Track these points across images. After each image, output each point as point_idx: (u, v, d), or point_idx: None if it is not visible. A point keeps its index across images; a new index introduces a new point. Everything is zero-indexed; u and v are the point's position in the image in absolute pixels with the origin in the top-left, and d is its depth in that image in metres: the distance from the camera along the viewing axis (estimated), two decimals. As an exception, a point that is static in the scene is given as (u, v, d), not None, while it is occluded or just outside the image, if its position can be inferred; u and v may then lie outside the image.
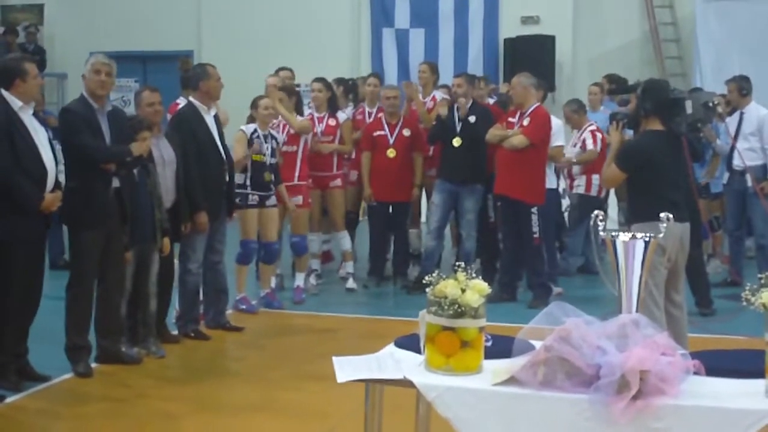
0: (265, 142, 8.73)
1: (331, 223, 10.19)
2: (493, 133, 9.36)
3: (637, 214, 6.22)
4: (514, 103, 9.59)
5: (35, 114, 6.54)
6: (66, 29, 18.23)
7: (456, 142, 9.63)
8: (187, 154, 7.63)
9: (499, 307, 8.56)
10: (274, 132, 8.99)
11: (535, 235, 9.20)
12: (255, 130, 8.70)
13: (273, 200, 8.87)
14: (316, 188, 9.89)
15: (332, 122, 9.93)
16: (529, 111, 9.27)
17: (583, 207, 10.42)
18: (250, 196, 8.64)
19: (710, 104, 7.56)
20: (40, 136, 6.33)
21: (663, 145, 6.29)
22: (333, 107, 10.07)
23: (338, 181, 9.98)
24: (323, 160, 9.80)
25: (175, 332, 7.86)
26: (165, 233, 7.24)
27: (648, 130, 6.36)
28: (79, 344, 6.74)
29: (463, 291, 3.69)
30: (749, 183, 9.60)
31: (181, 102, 8.74)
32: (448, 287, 3.69)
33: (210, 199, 7.75)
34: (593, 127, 10.64)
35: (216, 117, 8.07)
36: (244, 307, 8.83)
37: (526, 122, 9.22)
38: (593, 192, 10.71)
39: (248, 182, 8.64)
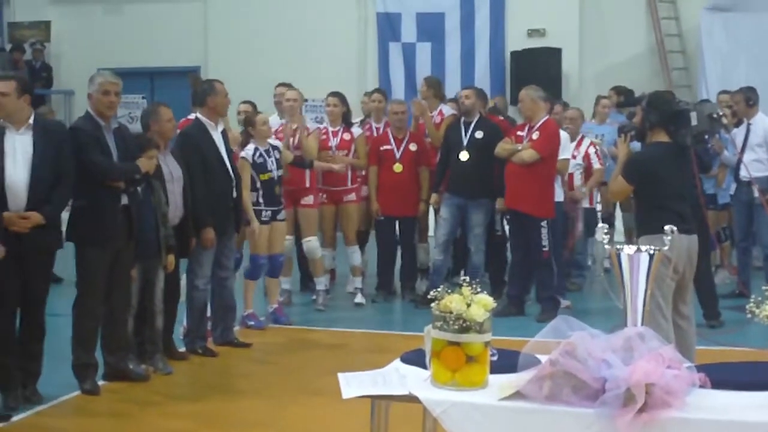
0: (268, 157, 8.74)
1: (343, 237, 10.19)
2: (503, 147, 9.35)
3: (643, 226, 6.22)
4: (522, 116, 9.59)
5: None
6: (73, 46, 18.29)
7: (463, 156, 9.63)
8: (194, 170, 7.64)
9: (507, 320, 8.56)
10: (274, 142, 8.97)
11: (545, 249, 9.19)
12: (256, 149, 8.70)
13: (283, 214, 8.89)
14: (330, 203, 9.92)
15: (347, 136, 9.95)
16: (539, 124, 9.26)
17: (588, 221, 10.40)
18: (263, 213, 8.64)
19: (714, 115, 7.55)
20: (17, 155, 6.26)
21: (668, 156, 6.29)
22: (347, 121, 10.10)
23: (353, 196, 10.00)
24: (338, 175, 9.80)
25: (183, 349, 7.86)
26: (170, 250, 7.24)
27: (654, 142, 6.36)
28: (86, 362, 6.72)
29: (469, 306, 3.69)
30: (756, 194, 9.59)
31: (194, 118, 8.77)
32: (453, 302, 3.69)
33: (217, 215, 7.76)
34: (590, 142, 10.57)
35: (224, 132, 8.09)
36: (252, 323, 8.82)
37: (535, 136, 9.20)
38: (596, 206, 10.70)
39: (261, 200, 8.64)
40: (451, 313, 3.68)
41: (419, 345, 3.99)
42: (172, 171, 7.45)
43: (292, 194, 9.43)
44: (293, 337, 8.73)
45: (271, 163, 8.74)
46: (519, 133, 9.44)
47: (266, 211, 8.68)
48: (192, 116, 8.93)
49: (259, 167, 8.66)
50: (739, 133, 9.93)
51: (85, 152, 6.56)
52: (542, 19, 16.11)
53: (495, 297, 3.89)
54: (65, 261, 7.18)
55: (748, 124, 9.89)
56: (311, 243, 9.62)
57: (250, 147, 8.70)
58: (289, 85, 10.05)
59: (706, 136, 7.39)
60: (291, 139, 9.37)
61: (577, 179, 10.29)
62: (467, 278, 3.83)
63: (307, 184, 9.53)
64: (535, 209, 9.19)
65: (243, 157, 8.60)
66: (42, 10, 18.57)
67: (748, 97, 9.92)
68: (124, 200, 6.75)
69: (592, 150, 10.41)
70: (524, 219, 9.26)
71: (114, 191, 6.69)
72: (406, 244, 10.29)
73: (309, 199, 9.55)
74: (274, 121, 9.74)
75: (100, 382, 6.82)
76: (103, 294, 6.71)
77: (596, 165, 10.41)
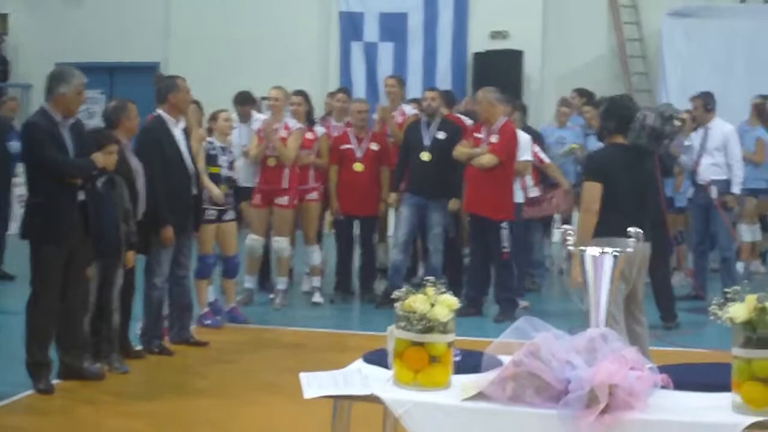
0: (222, 155, 8.72)
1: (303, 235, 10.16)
2: (461, 150, 9.34)
3: (600, 229, 6.15)
4: (480, 118, 9.58)
5: None
6: (31, 39, 18.06)
7: (425, 156, 9.63)
8: (154, 166, 7.57)
9: (465, 321, 8.54)
10: (232, 147, 9.05)
11: (505, 250, 9.19)
12: (211, 142, 8.70)
13: (231, 214, 8.85)
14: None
15: (310, 135, 9.90)
16: (497, 127, 9.24)
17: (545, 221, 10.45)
18: (208, 212, 8.58)
19: (666, 114, 7.61)
20: None
21: (625, 158, 6.29)
22: (311, 120, 10.07)
23: (314, 194, 9.96)
24: (300, 173, 9.77)
25: (139, 347, 7.78)
26: (131, 246, 7.16)
27: (611, 143, 6.37)
28: (41, 360, 6.61)
29: (432, 306, 3.67)
30: (714, 196, 9.68)
31: None
32: (417, 302, 3.67)
33: (177, 213, 7.69)
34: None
35: (185, 130, 8.04)
36: (208, 321, 8.76)
37: (494, 139, 9.18)
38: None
39: (204, 197, 8.60)
40: (414, 313, 3.65)
41: (379, 345, 3.96)
42: (136, 167, 7.39)
43: (268, 194, 9.47)
44: (251, 336, 8.67)
45: (223, 161, 8.76)
46: (477, 135, 9.42)
47: (211, 210, 8.62)
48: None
49: (210, 159, 8.68)
50: (697, 138, 10.01)
51: (40, 149, 6.48)
52: (505, 21, 16.14)
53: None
54: (18, 258, 7.07)
55: (706, 129, 9.97)
56: (281, 243, 9.60)
57: (208, 139, 8.77)
58: (303, 93, 10.18)
59: (666, 141, 7.41)
60: (270, 138, 9.37)
61: (528, 179, 10.20)
62: (428, 278, 3.81)
63: (284, 185, 9.49)
64: (495, 212, 9.19)
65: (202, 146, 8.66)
66: (-1, 2, 18.37)
67: (706, 102, 10.00)
68: (81, 197, 6.66)
69: (537, 147, 10.36)
70: (484, 222, 9.26)
71: (70, 187, 6.60)
72: (365, 243, 10.27)
73: (284, 200, 9.51)
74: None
75: (55, 381, 6.72)
76: (59, 291, 6.61)
77: (546, 159, 10.35)
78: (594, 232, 6.18)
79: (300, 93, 10.10)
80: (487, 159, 9.12)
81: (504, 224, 9.18)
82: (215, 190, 8.55)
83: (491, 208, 9.18)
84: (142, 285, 7.78)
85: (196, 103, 9.52)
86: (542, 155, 10.33)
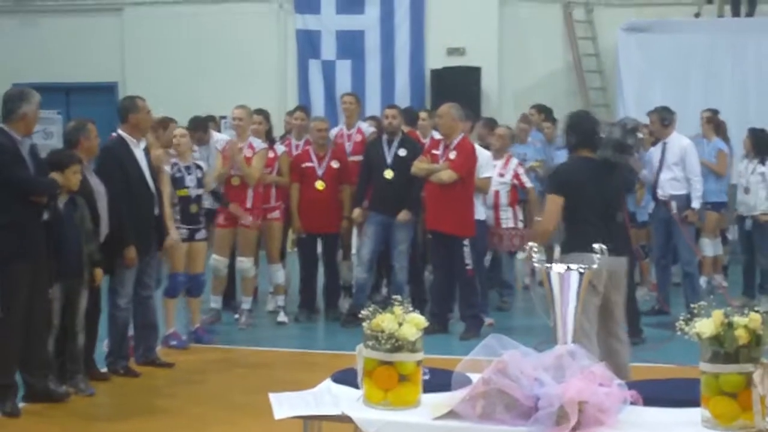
0: (188, 174, 8.70)
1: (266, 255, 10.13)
2: (419, 166, 9.35)
3: (567, 243, 6.21)
4: (440, 134, 9.60)
5: None
6: (-15, 60, 17.90)
7: (388, 174, 9.65)
8: (116, 187, 7.55)
9: (430, 338, 8.54)
10: (198, 162, 8.99)
11: (468, 267, 9.21)
12: (175, 164, 8.67)
13: (202, 233, 8.83)
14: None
15: (270, 154, 9.89)
16: (455, 143, 9.25)
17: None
18: (180, 230, 8.56)
19: (629, 127, 7.70)
20: None
21: (591, 170, 6.33)
22: (270, 139, 10.07)
23: (276, 213, 9.93)
24: (263, 192, 9.76)
25: (104, 369, 7.72)
26: (96, 264, 7.12)
27: (577, 155, 6.42)
28: (6, 383, 6.57)
29: (400, 325, 3.68)
30: (674, 211, 9.77)
31: None
32: (385, 321, 3.68)
33: (139, 233, 7.67)
34: (518, 162, 10.59)
35: (146, 150, 8.00)
36: (174, 342, 8.71)
37: (452, 155, 9.17)
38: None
39: (177, 216, 8.58)
40: (383, 332, 3.67)
41: (345, 363, 3.98)
42: (97, 187, 7.36)
43: (232, 214, 9.41)
44: (217, 356, 8.63)
45: (190, 180, 8.71)
46: (434, 151, 9.44)
47: (183, 228, 8.61)
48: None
49: (177, 182, 8.64)
50: (655, 152, 10.10)
51: (8, 167, 6.47)
52: (462, 37, 16.20)
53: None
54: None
55: (664, 143, 10.06)
56: (245, 263, 9.59)
57: (171, 162, 8.68)
58: (263, 111, 10.16)
59: (631, 152, 7.49)
60: (235, 158, 9.35)
61: (504, 198, 10.21)
62: (394, 297, 3.82)
63: (248, 205, 9.48)
64: (456, 229, 9.20)
65: (165, 170, 8.57)
66: (-45, 22, 18.16)
67: (663, 117, 10.08)
68: (45, 216, 6.64)
69: (521, 170, 10.41)
70: (446, 239, 9.27)
71: (36, 207, 6.59)
72: (328, 261, 10.26)
73: (247, 220, 9.48)
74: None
75: (20, 404, 6.65)
76: (24, 312, 6.56)
77: (528, 184, 10.36)
78: (562, 246, 6.26)
79: (260, 112, 10.10)
80: (447, 175, 9.11)
81: (465, 241, 9.20)
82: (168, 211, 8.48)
83: (453, 225, 9.19)
84: (107, 306, 7.74)
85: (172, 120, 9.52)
86: (524, 178, 10.38)
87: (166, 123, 9.15)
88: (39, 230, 6.59)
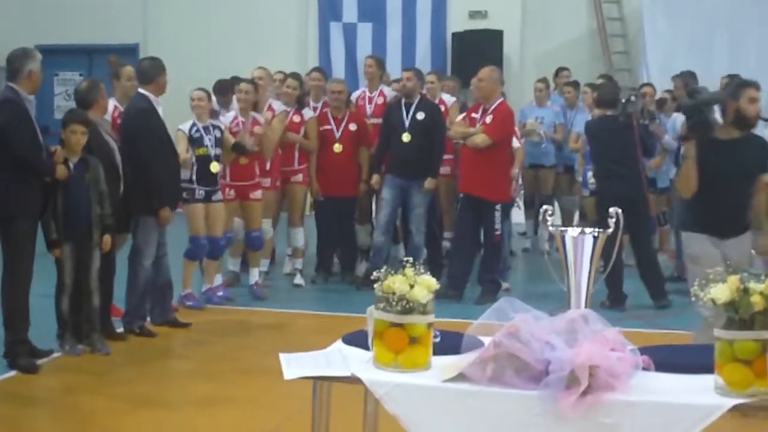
0: (206, 134, 8.65)
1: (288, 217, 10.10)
2: (456, 130, 9.32)
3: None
4: (479, 97, 9.49)
5: None
6: (7, 21, 17.83)
7: (405, 137, 9.59)
8: (151, 148, 7.59)
9: (446, 302, 8.53)
10: (216, 122, 8.93)
11: (498, 232, 9.16)
12: (194, 124, 8.63)
13: (219, 195, 8.79)
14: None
15: (297, 119, 9.84)
16: (493, 107, 9.16)
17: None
18: (196, 191, 8.55)
19: (632, 98, 7.69)
20: None
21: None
22: (301, 104, 10.00)
23: (299, 176, 9.91)
24: (285, 155, 9.71)
25: (121, 329, 7.73)
26: (106, 229, 7.08)
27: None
28: (18, 338, 6.62)
29: (412, 287, 3.65)
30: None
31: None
32: (397, 283, 3.65)
33: (171, 193, 7.81)
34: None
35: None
36: (190, 303, 8.73)
37: (488, 119, 9.10)
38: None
39: (194, 177, 8.55)
40: (394, 294, 3.63)
41: (360, 326, 3.94)
42: (113, 146, 7.38)
43: (239, 189, 9.30)
44: (232, 317, 8.65)
45: (209, 140, 8.66)
46: (473, 115, 9.34)
47: (200, 189, 8.59)
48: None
49: (195, 142, 8.60)
50: (679, 118, 9.98)
51: (16, 133, 6.52)
52: (484, 0, 16.08)
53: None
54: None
55: (688, 109, 9.94)
56: (264, 225, 9.56)
57: (189, 121, 8.66)
58: (298, 76, 10.20)
59: (645, 120, 7.47)
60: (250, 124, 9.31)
61: None
62: (409, 259, 3.79)
63: (268, 167, 9.44)
64: (490, 193, 9.13)
65: (180, 129, 8.55)
66: (-24, -16, 18.15)
67: (687, 83, 9.99)
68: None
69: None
70: (478, 203, 9.19)
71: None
72: (345, 224, 10.23)
73: (267, 182, 9.45)
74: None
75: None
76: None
77: (516, 144, 9.96)
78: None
79: (296, 76, 10.06)
80: (481, 139, 9.04)
81: (498, 206, 9.13)
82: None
83: (487, 189, 9.12)
84: (127, 265, 7.76)
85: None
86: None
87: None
88: (40, 186, 6.67)
